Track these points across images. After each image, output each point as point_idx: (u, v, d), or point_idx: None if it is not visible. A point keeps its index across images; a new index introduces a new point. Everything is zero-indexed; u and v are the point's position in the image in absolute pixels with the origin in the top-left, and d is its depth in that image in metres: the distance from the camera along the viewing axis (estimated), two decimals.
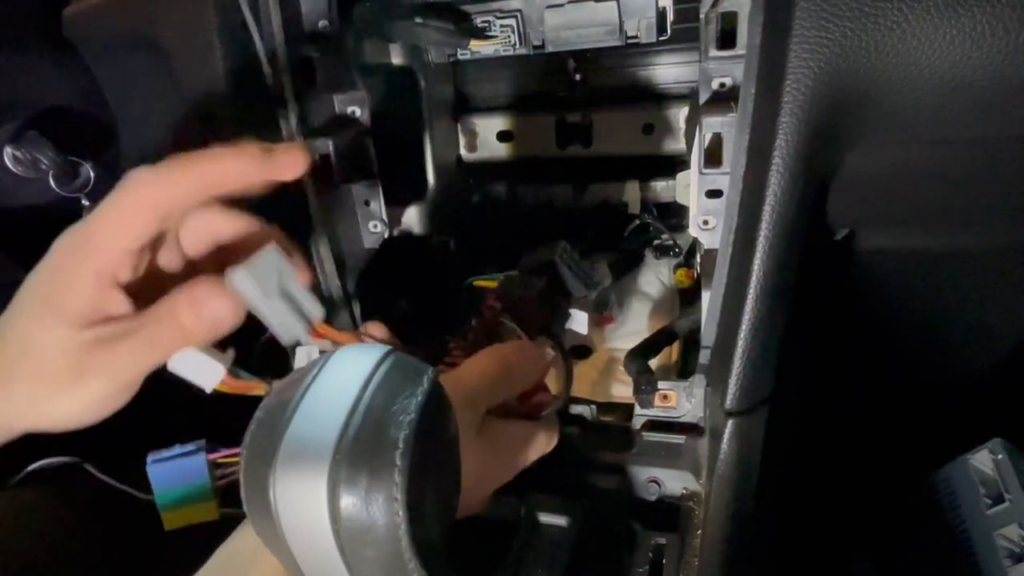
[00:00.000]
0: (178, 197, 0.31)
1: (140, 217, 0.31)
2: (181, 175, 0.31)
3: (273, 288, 0.31)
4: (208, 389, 0.32)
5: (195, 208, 0.33)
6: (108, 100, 0.60)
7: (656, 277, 0.67)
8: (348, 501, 0.23)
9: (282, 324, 0.31)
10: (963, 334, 0.71)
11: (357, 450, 0.23)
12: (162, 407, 0.40)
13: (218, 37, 0.50)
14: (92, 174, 0.60)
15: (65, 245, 0.32)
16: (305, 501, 0.23)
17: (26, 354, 0.31)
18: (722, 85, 0.42)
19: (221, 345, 0.33)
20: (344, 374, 0.26)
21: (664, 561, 0.42)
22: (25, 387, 0.31)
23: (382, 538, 0.23)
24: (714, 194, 0.43)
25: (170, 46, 0.53)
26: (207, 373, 0.32)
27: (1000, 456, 0.58)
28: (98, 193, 0.60)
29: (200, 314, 0.30)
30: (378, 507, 0.23)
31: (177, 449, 0.37)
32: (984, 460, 0.60)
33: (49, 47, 0.59)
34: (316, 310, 0.32)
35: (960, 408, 0.73)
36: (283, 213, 0.53)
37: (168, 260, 0.34)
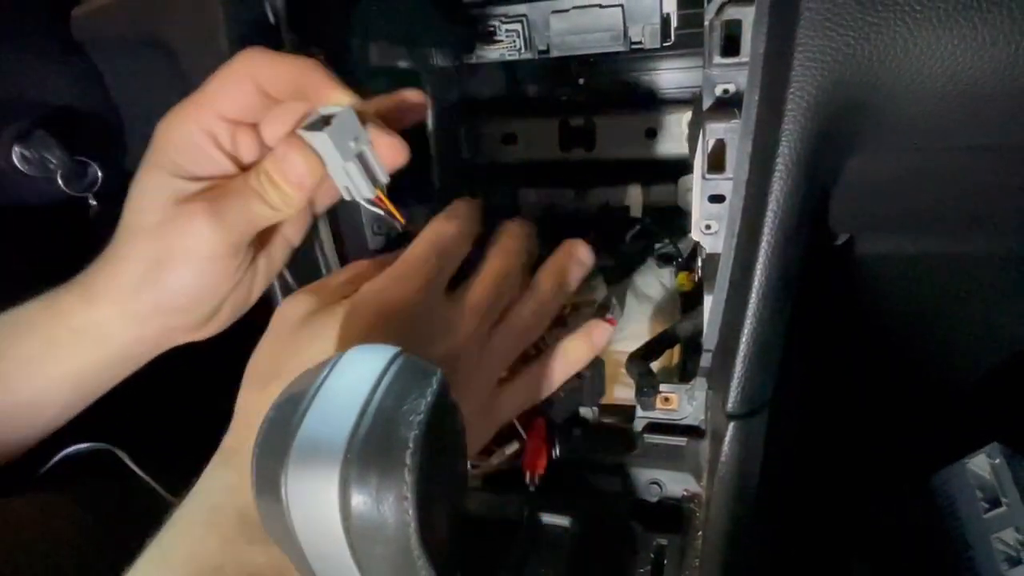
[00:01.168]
0: (279, 77, 0.34)
1: (241, 84, 0.35)
2: (287, 60, 0.35)
3: (348, 150, 0.34)
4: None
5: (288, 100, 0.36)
6: (116, 100, 0.60)
7: (657, 280, 0.67)
8: (359, 500, 0.23)
9: (350, 185, 0.35)
10: (961, 339, 0.72)
11: (368, 450, 0.24)
12: (194, 398, 0.40)
13: (227, 38, 0.50)
14: (100, 174, 0.61)
15: (174, 110, 0.35)
16: (316, 499, 0.23)
17: (133, 208, 0.35)
18: (725, 91, 0.43)
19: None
20: (355, 374, 0.26)
21: (665, 562, 0.42)
22: (137, 244, 0.35)
23: (392, 536, 0.23)
24: (716, 199, 0.44)
25: (178, 46, 0.54)
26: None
27: (997, 460, 0.59)
28: (106, 193, 0.60)
29: (281, 168, 0.34)
30: (388, 506, 0.23)
31: None
32: (981, 464, 0.60)
33: (57, 47, 0.59)
34: (382, 176, 0.36)
35: (958, 413, 0.73)
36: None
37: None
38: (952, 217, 0.56)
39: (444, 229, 0.38)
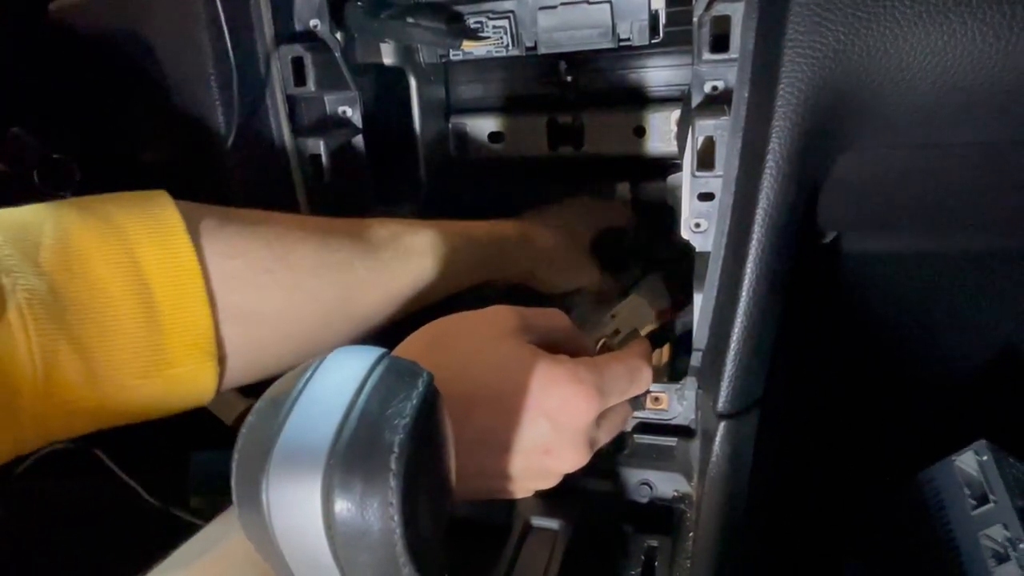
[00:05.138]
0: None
1: None
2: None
3: None
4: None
5: None
6: (94, 96, 0.59)
7: (646, 279, 0.67)
8: (343, 506, 0.22)
9: None
10: (949, 337, 0.72)
11: (352, 454, 0.23)
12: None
13: (207, 36, 0.49)
14: (77, 171, 0.59)
15: None
16: (299, 506, 0.23)
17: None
18: (714, 88, 0.43)
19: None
20: (338, 377, 0.25)
21: (656, 563, 0.42)
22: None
23: (377, 543, 0.23)
24: (706, 197, 0.43)
25: (158, 43, 0.53)
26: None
27: (985, 457, 0.59)
28: (84, 191, 0.59)
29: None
30: (373, 512, 0.22)
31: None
32: (969, 461, 0.60)
33: (34, 42, 0.58)
34: None
35: (945, 410, 0.74)
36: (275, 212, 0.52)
37: None
38: (939, 215, 0.56)
39: (643, 373, 0.41)
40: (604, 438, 0.39)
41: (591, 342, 0.43)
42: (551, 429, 0.34)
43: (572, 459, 0.36)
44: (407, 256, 0.45)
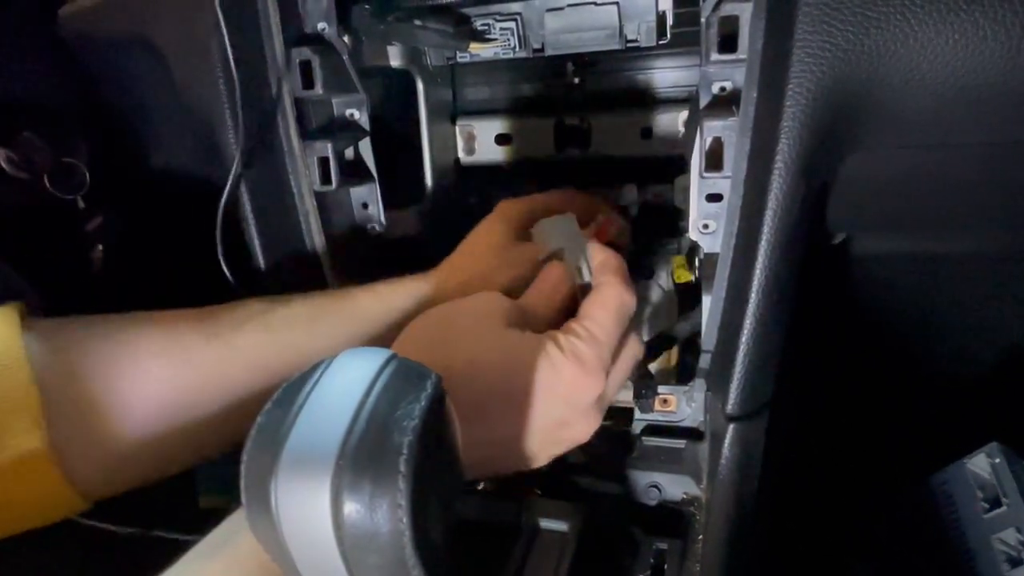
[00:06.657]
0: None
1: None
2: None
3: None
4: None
5: None
6: (104, 101, 0.60)
7: (654, 281, 0.67)
8: (352, 508, 0.22)
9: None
10: (960, 338, 0.72)
11: (361, 456, 0.23)
12: None
13: (215, 38, 0.49)
14: (87, 175, 0.60)
15: None
16: (308, 508, 0.23)
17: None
18: (723, 89, 0.42)
19: None
20: (347, 378, 0.25)
21: (665, 566, 0.41)
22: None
23: (386, 545, 0.23)
24: (714, 198, 0.43)
25: (167, 47, 0.53)
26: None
27: (997, 460, 0.58)
28: (93, 195, 0.59)
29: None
30: (382, 514, 0.22)
31: None
32: (981, 464, 0.60)
33: (45, 47, 0.59)
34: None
35: (957, 412, 0.73)
36: (282, 215, 0.53)
37: None
38: (949, 216, 0.56)
39: (628, 304, 0.41)
40: (613, 392, 0.39)
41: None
42: (564, 407, 0.36)
43: (586, 427, 0.37)
44: (268, 331, 0.43)
